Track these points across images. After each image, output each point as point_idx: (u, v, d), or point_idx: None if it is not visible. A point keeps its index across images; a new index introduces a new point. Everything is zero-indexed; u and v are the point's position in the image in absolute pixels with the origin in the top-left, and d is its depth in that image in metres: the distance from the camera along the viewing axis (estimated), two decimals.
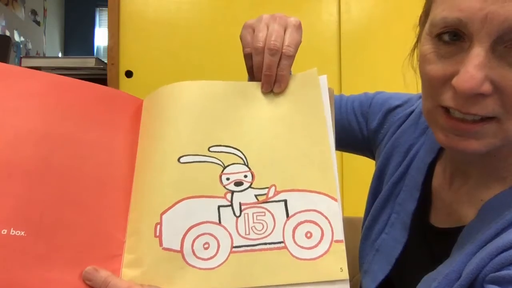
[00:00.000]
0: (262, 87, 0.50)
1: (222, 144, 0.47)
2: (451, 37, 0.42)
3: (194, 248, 0.43)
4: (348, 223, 0.88)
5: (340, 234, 0.44)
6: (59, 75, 0.48)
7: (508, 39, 0.39)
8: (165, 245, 0.43)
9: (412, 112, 0.62)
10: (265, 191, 0.46)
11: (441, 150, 0.56)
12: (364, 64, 1.47)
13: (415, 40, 0.51)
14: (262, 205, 0.45)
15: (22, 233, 0.40)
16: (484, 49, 0.39)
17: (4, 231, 0.39)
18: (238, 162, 0.47)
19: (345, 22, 1.49)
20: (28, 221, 0.40)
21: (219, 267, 0.43)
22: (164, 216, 0.44)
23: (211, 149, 0.47)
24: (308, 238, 0.44)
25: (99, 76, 1.44)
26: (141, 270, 0.42)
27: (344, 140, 0.67)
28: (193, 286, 0.42)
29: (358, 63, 1.48)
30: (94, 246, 0.42)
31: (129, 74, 1.41)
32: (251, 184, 0.46)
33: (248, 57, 0.52)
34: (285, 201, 0.45)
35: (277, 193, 0.46)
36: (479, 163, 0.49)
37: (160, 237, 0.43)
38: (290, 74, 0.52)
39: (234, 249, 0.43)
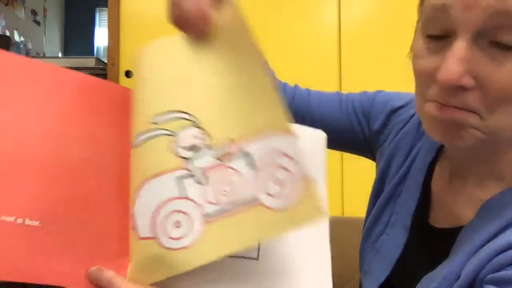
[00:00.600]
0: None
1: (165, 111, 0.43)
2: (439, 32, 0.42)
3: (166, 229, 0.40)
4: (348, 223, 0.88)
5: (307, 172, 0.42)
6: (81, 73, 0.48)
7: (491, 33, 0.38)
8: (141, 234, 0.41)
9: (414, 114, 0.61)
10: (225, 149, 0.42)
11: (440, 150, 0.56)
12: (364, 64, 1.47)
13: (412, 40, 0.51)
14: (225, 163, 0.42)
15: (37, 223, 0.40)
16: (466, 41, 0.39)
17: (19, 220, 0.39)
18: (189, 126, 0.43)
19: (345, 22, 1.49)
20: (42, 213, 0.40)
21: (196, 242, 0.40)
22: (135, 206, 0.42)
23: (155, 119, 0.43)
24: (281, 185, 0.41)
25: (99, 76, 1.44)
26: (132, 267, 0.42)
27: (344, 141, 0.67)
28: (176, 269, 0.39)
29: (358, 63, 1.48)
30: (106, 243, 0.42)
31: (129, 74, 1.41)
32: (210, 145, 0.42)
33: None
34: (247, 154, 0.42)
35: (236, 147, 0.42)
36: (476, 162, 0.49)
37: (135, 228, 0.41)
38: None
39: (208, 219, 0.40)
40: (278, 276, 0.43)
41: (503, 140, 0.45)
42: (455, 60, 0.40)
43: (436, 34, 0.43)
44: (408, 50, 0.54)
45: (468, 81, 0.40)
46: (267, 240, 0.43)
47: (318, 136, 0.49)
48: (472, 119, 0.42)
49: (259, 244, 0.44)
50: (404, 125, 0.61)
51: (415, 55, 0.46)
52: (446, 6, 0.40)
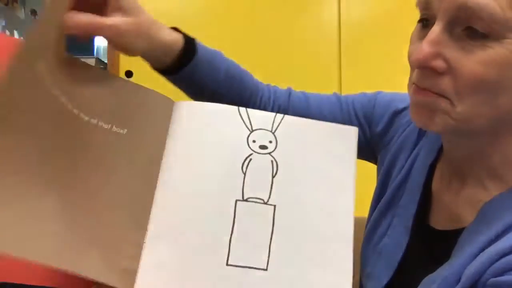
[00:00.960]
0: None
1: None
2: (426, 20, 0.45)
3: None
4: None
5: None
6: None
7: (463, 22, 0.41)
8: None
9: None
10: None
11: (440, 151, 0.56)
12: (364, 64, 1.47)
13: None
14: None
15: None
16: (439, 27, 0.42)
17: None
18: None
19: (345, 22, 1.49)
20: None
21: None
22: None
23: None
24: None
25: None
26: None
27: None
28: None
29: (358, 63, 1.48)
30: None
31: (129, 74, 1.41)
32: None
33: None
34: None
35: None
36: (472, 161, 0.49)
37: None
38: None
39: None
40: (291, 287, 0.42)
41: (493, 134, 0.46)
42: (427, 42, 0.42)
43: (424, 20, 0.45)
44: (408, 49, 0.54)
45: (438, 63, 0.42)
46: (278, 251, 0.43)
47: (349, 133, 0.49)
48: (444, 104, 0.44)
49: (269, 254, 0.43)
50: (407, 127, 0.61)
51: (410, 42, 0.48)
52: None
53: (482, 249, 0.43)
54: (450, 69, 0.42)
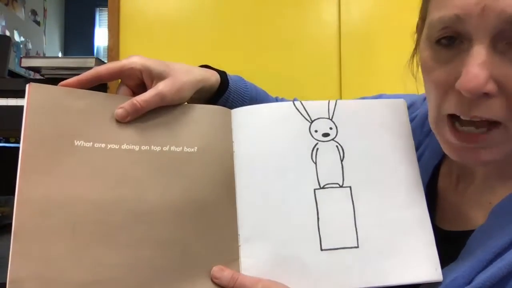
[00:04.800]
0: None
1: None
2: (450, 41, 0.41)
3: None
4: None
5: None
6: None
7: (508, 35, 0.37)
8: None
9: (416, 116, 0.61)
10: None
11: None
12: (364, 65, 1.47)
13: (413, 47, 0.51)
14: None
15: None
16: (484, 46, 0.38)
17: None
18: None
19: (345, 23, 1.49)
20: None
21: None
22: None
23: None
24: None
25: None
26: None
27: None
28: None
29: (358, 63, 1.48)
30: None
31: None
32: None
33: None
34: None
35: None
36: (485, 166, 0.49)
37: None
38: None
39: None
40: (382, 259, 0.45)
41: None
42: (477, 66, 0.38)
43: (446, 43, 0.41)
44: (408, 50, 0.53)
45: (491, 87, 0.38)
46: (364, 227, 0.46)
47: (399, 106, 0.51)
48: (498, 136, 0.40)
49: (356, 232, 0.46)
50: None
51: (424, 67, 0.44)
52: (459, 16, 0.39)
53: (496, 254, 0.42)
54: (502, 89, 0.39)
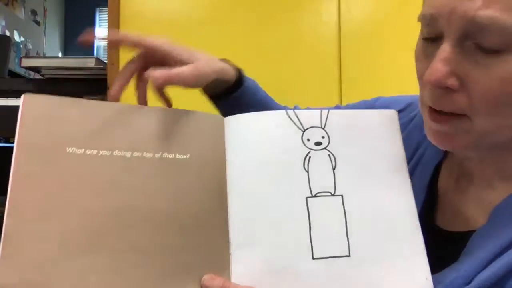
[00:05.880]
0: None
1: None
2: (432, 36, 0.44)
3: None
4: None
5: None
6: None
7: (473, 36, 0.39)
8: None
9: (415, 115, 0.61)
10: None
11: (447, 152, 0.56)
12: (364, 65, 1.47)
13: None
14: None
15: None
16: (450, 44, 0.41)
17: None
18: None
19: (345, 23, 1.49)
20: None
21: None
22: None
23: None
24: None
25: (99, 76, 1.44)
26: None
27: None
28: None
29: (358, 63, 1.48)
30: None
31: None
32: None
33: None
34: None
35: None
36: (482, 163, 0.49)
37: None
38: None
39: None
40: (373, 268, 0.45)
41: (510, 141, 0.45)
42: (440, 61, 0.41)
43: (430, 37, 0.44)
44: (408, 50, 0.54)
45: (453, 81, 0.41)
46: (355, 236, 0.46)
47: (390, 116, 0.52)
48: (463, 124, 0.43)
49: (348, 240, 0.46)
50: (405, 129, 0.61)
51: (415, 59, 0.47)
52: (433, 15, 0.42)
53: (496, 255, 0.42)
54: (464, 86, 0.41)
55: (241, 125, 0.50)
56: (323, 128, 0.50)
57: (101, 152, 0.43)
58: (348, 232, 0.46)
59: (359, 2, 1.50)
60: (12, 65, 2.40)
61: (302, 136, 0.49)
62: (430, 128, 0.47)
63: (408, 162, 0.59)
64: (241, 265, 0.45)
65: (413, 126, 0.61)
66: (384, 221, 0.47)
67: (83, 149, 0.43)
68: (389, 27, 1.47)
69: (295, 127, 0.50)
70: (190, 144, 0.47)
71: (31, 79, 1.93)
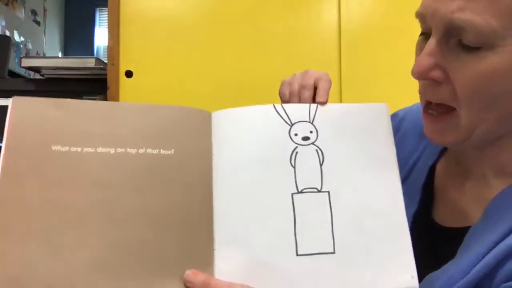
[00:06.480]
0: None
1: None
2: (426, 32, 0.47)
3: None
4: None
5: None
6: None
7: (455, 34, 0.42)
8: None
9: (400, 119, 0.63)
10: None
11: (442, 152, 0.57)
12: (364, 65, 1.47)
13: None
14: None
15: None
16: (435, 39, 0.44)
17: None
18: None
19: (345, 22, 1.49)
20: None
21: None
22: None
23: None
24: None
25: (99, 76, 1.44)
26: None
27: None
28: None
29: (358, 63, 1.48)
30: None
31: (129, 74, 1.41)
32: None
33: None
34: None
35: None
36: (478, 159, 0.50)
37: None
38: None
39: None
40: (358, 266, 0.44)
41: (504, 135, 0.46)
42: (425, 54, 0.44)
43: (424, 33, 0.47)
44: (408, 50, 0.54)
45: (436, 74, 0.44)
46: (341, 233, 0.45)
47: (380, 109, 0.51)
48: (452, 119, 0.46)
49: (333, 237, 0.45)
50: (399, 128, 0.62)
51: (415, 54, 0.49)
52: (422, 13, 0.45)
53: (490, 249, 0.43)
54: (448, 78, 0.44)
55: (227, 120, 0.49)
56: (312, 123, 0.49)
57: (85, 149, 0.44)
58: (334, 229, 0.45)
59: (359, 2, 1.50)
60: (12, 65, 2.40)
61: (289, 130, 0.48)
62: (426, 126, 0.49)
63: (402, 168, 0.59)
64: (224, 261, 0.44)
65: (404, 131, 0.62)
66: (371, 218, 0.46)
67: (68, 147, 0.44)
68: (389, 27, 1.47)
69: (282, 121, 0.49)
70: (175, 140, 0.47)
71: (31, 79, 1.93)
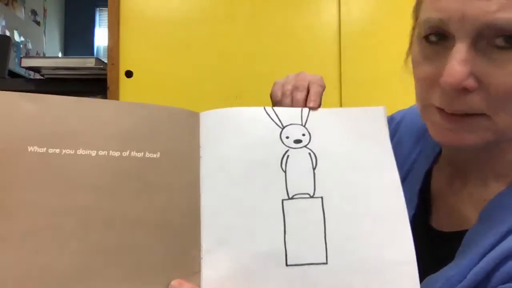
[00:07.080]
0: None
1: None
2: (437, 37, 0.43)
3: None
4: None
5: None
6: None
7: (487, 36, 0.40)
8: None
9: (398, 122, 0.63)
10: None
11: (437, 156, 0.57)
12: (364, 65, 1.47)
13: (408, 45, 0.52)
14: None
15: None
16: (465, 45, 0.41)
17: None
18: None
19: (345, 23, 1.49)
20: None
21: None
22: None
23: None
24: None
25: (99, 76, 1.44)
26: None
27: None
28: None
29: (358, 63, 1.48)
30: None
31: (129, 74, 1.41)
32: None
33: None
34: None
35: None
36: (476, 161, 0.49)
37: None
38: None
39: None
40: (352, 277, 0.41)
41: (506, 139, 0.45)
42: (458, 62, 0.40)
43: (434, 40, 0.44)
44: (408, 50, 0.54)
45: (470, 82, 0.41)
46: (334, 242, 0.42)
47: (377, 113, 0.48)
48: (484, 122, 0.42)
49: (326, 247, 0.42)
50: (395, 133, 0.62)
51: (413, 62, 0.47)
52: (443, 19, 0.42)
53: (487, 252, 0.43)
54: (481, 85, 0.41)
55: (217, 121, 0.47)
56: (304, 126, 0.47)
57: (64, 150, 0.41)
58: (327, 238, 0.42)
59: (359, 2, 1.50)
60: (12, 65, 2.40)
61: (280, 133, 0.46)
62: (441, 127, 0.45)
63: (401, 169, 0.59)
64: (211, 270, 0.42)
65: (400, 134, 0.62)
66: (367, 225, 0.43)
67: (45, 148, 0.41)
68: (389, 27, 1.47)
69: (273, 123, 0.47)
70: (161, 142, 0.45)
71: (31, 79, 1.93)
